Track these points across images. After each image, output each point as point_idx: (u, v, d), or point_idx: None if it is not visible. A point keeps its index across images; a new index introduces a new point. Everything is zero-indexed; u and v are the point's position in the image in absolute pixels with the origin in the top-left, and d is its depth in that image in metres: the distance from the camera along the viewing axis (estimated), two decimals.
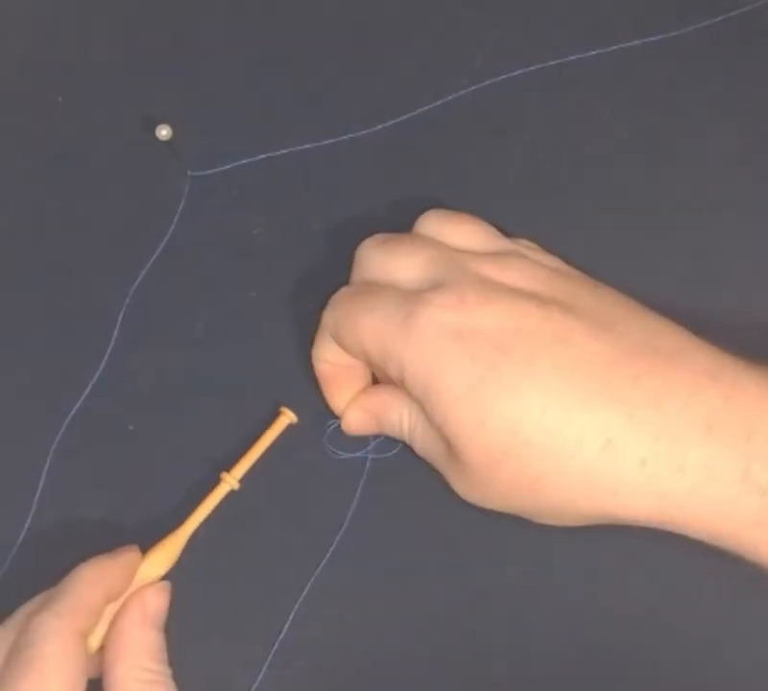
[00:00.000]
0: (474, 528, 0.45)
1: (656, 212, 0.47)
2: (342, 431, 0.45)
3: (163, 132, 0.46)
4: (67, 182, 0.48)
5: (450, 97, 0.48)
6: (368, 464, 0.45)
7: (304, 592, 0.44)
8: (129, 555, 0.41)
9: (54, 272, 0.47)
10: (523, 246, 0.43)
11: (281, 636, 0.44)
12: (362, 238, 0.43)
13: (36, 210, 0.48)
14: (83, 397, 0.46)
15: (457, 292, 0.39)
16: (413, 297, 0.40)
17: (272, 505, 0.43)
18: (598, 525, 0.44)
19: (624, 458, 0.38)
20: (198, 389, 0.46)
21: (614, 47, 0.48)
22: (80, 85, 0.48)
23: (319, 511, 0.45)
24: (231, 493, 0.43)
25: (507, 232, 0.44)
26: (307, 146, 0.47)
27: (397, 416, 0.43)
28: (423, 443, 0.42)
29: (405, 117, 0.48)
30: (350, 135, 0.47)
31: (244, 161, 0.47)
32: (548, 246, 0.44)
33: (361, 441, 0.45)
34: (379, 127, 0.47)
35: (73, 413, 0.46)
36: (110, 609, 0.40)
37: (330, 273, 0.44)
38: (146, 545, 0.42)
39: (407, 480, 0.45)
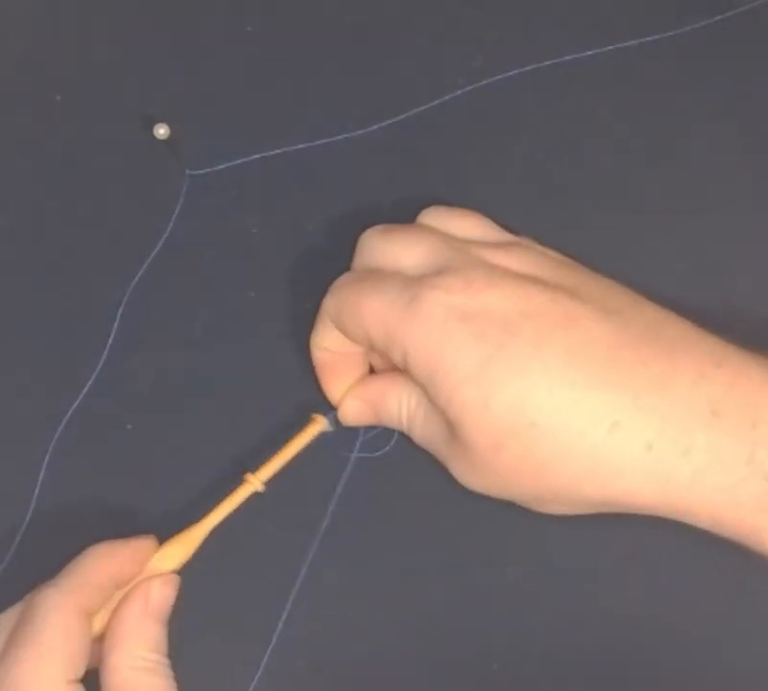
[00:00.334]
0: (474, 528, 0.45)
1: (655, 212, 0.47)
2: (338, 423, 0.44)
3: (161, 132, 0.46)
4: (66, 181, 0.48)
5: (448, 97, 0.48)
6: (361, 461, 0.45)
7: (303, 592, 0.44)
8: (143, 542, 0.41)
9: (52, 270, 0.47)
10: (525, 241, 0.43)
11: (279, 636, 0.44)
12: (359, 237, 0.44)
13: (34, 209, 0.48)
14: (81, 397, 0.46)
15: (463, 276, 0.39)
16: (417, 281, 0.40)
17: (271, 503, 0.43)
18: (598, 525, 0.44)
19: (631, 440, 0.37)
20: (196, 388, 0.46)
21: (612, 47, 0.48)
22: (78, 85, 0.48)
23: (319, 509, 0.45)
24: (254, 495, 0.43)
25: (507, 231, 0.44)
26: (306, 145, 0.47)
27: (396, 405, 0.43)
28: (424, 431, 0.42)
29: (403, 117, 0.48)
30: (348, 135, 0.48)
31: (243, 160, 0.47)
32: (547, 246, 0.44)
33: (355, 437, 0.45)
34: (376, 127, 0.48)
35: (71, 412, 0.46)
36: (118, 596, 0.40)
37: (329, 272, 0.44)
38: None
39: (408, 478, 0.45)
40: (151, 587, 0.40)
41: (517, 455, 0.38)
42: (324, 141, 0.47)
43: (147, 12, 0.49)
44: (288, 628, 0.44)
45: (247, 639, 0.44)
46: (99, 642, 0.40)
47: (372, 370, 0.45)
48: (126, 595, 0.40)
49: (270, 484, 0.43)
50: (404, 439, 0.44)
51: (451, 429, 0.40)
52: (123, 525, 0.44)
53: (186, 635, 0.41)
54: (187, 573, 0.42)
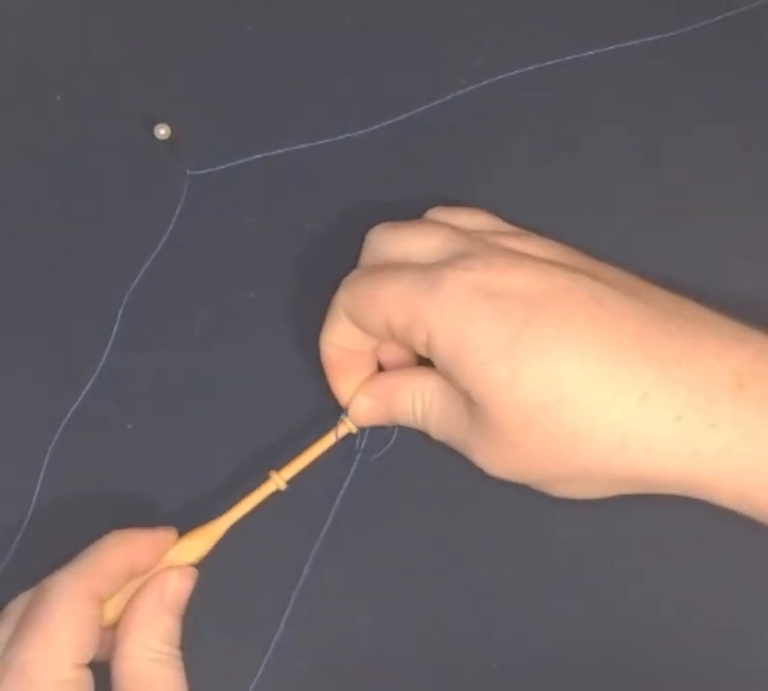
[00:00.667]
0: (474, 528, 0.45)
1: (655, 212, 0.47)
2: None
3: (162, 132, 0.46)
4: (66, 181, 0.48)
5: (448, 97, 0.48)
6: (359, 460, 0.45)
7: (304, 593, 0.44)
8: (162, 533, 0.41)
9: (52, 270, 0.47)
10: (534, 234, 0.44)
11: (280, 637, 0.44)
12: (360, 238, 0.43)
13: (34, 209, 0.48)
14: (81, 396, 0.46)
15: (482, 258, 0.39)
16: (437, 265, 0.39)
17: (271, 504, 0.43)
18: (599, 525, 0.44)
19: (660, 412, 0.37)
20: (196, 388, 0.46)
21: (612, 47, 0.48)
22: (79, 85, 0.48)
23: (320, 511, 0.45)
24: (276, 493, 0.43)
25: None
26: (306, 145, 0.47)
27: (410, 400, 0.42)
28: (441, 422, 0.42)
29: (403, 117, 0.48)
30: (348, 135, 0.47)
31: (243, 160, 0.47)
32: None
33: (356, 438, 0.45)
34: (376, 127, 0.48)
35: (71, 412, 0.46)
36: (133, 585, 0.40)
37: (329, 272, 0.44)
38: None
39: (409, 479, 0.45)
40: (168, 579, 0.40)
41: (546, 430, 0.38)
42: (324, 141, 0.47)
43: (147, 12, 0.49)
44: (289, 628, 0.44)
45: (248, 640, 0.44)
46: (113, 631, 0.40)
47: (380, 370, 0.44)
48: (143, 585, 0.40)
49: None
50: (405, 440, 0.44)
51: (474, 413, 0.39)
52: (123, 525, 0.43)
53: (188, 636, 0.41)
54: None
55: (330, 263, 0.45)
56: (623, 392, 0.37)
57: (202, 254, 0.47)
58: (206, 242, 0.47)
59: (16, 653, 0.37)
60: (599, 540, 0.45)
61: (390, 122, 0.48)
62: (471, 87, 0.48)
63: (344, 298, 0.41)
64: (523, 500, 0.44)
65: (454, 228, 0.42)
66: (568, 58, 0.48)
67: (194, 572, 0.41)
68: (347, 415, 0.43)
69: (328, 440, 0.43)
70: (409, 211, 0.44)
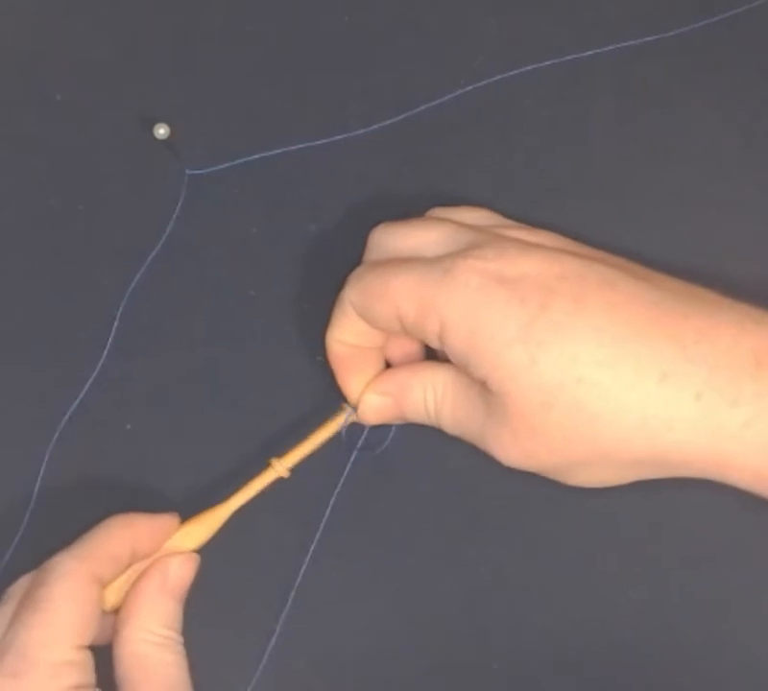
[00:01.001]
0: (474, 528, 0.45)
1: (655, 212, 0.47)
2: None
3: (161, 131, 0.46)
4: (65, 181, 0.48)
5: (448, 97, 0.48)
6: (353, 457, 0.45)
7: (302, 591, 0.44)
8: (165, 518, 0.41)
9: (52, 270, 0.47)
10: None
11: (278, 635, 0.44)
12: (360, 237, 0.43)
13: (34, 209, 0.48)
14: (80, 396, 0.46)
15: (495, 247, 0.39)
16: (448, 256, 0.39)
17: (272, 501, 0.43)
18: (599, 526, 0.44)
19: (680, 391, 0.37)
20: (196, 388, 0.46)
21: (612, 47, 0.48)
22: (78, 85, 0.48)
23: (318, 508, 0.45)
24: (279, 481, 0.43)
25: None
26: (306, 145, 0.47)
27: (421, 395, 0.42)
28: (455, 414, 0.41)
29: (403, 117, 0.48)
30: (348, 135, 0.48)
31: (242, 160, 0.47)
32: None
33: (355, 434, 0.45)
34: (377, 126, 0.48)
35: (71, 412, 0.46)
36: (136, 570, 0.40)
37: (329, 272, 0.44)
38: None
39: (409, 478, 0.45)
40: (170, 563, 0.41)
41: (567, 412, 0.38)
42: (324, 141, 0.47)
43: (147, 13, 0.49)
44: (287, 626, 0.44)
45: (246, 638, 0.44)
46: (115, 615, 0.40)
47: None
48: (145, 570, 0.40)
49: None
50: (403, 437, 0.44)
51: (490, 402, 0.39)
52: None
53: (186, 634, 0.41)
54: None
55: (330, 262, 0.45)
56: (642, 372, 0.37)
57: (201, 254, 0.47)
58: (206, 241, 0.47)
59: (17, 633, 0.37)
60: (599, 540, 0.45)
61: (390, 122, 0.48)
62: (471, 87, 0.48)
63: (352, 293, 0.41)
64: (523, 499, 0.44)
65: (458, 223, 0.41)
66: (568, 58, 0.48)
67: (196, 558, 0.41)
68: (356, 413, 0.43)
69: (331, 428, 0.43)
70: (409, 211, 0.44)
